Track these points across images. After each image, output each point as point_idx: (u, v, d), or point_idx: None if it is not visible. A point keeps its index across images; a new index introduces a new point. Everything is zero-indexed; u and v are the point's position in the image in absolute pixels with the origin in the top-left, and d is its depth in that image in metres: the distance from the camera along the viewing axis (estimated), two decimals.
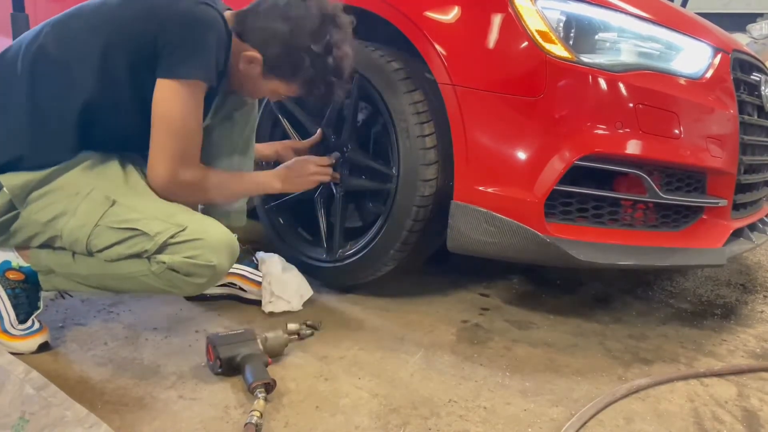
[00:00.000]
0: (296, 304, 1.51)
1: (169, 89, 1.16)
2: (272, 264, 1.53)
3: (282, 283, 1.51)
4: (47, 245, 1.21)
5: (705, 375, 1.31)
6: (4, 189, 1.16)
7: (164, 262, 1.14)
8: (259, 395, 1.06)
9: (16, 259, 1.23)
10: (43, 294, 1.27)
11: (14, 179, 1.16)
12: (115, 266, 1.17)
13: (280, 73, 1.29)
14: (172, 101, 1.17)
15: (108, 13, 1.19)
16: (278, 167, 1.48)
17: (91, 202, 1.16)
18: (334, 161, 1.55)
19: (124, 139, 1.25)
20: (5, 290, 1.22)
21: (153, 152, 1.20)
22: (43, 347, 1.24)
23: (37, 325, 1.24)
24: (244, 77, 1.31)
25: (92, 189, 1.17)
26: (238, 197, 1.43)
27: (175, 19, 1.15)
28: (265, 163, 1.63)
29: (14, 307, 1.22)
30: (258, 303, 1.50)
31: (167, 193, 1.22)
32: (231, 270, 1.42)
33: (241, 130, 1.46)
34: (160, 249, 1.13)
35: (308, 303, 1.55)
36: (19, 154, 1.16)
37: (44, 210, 1.17)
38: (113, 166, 1.22)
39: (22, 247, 1.24)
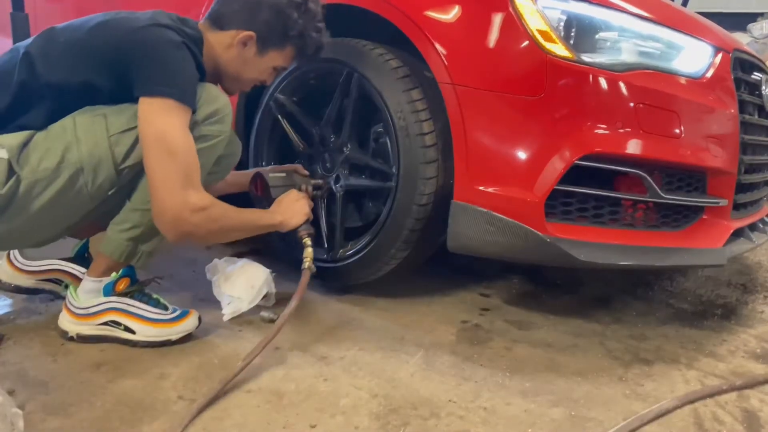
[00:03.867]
0: (248, 298, 1.42)
1: (156, 107, 1.15)
2: (216, 268, 1.49)
3: (230, 281, 1.45)
4: (77, 208, 1.20)
5: (726, 391, 1.25)
6: (3, 150, 1.13)
7: None
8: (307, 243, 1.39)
9: (109, 276, 1.28)
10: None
11: (12, 139, 1.14)
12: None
13: (274, 41, 1.33)
14: (159, 121, 1.14)
15: (81, 42, 1.19)
16: (274, 204, 1.44)
17: (86, 123, 1.17)
18: (316, 187, 1.56)
19: None
20: (130, 298, 1.29)
21: (155, 184, 1.15)
22: (199, 321, 1.32)
23: (177, 309, 1.31)
24: (241, 65, 1.33)
25: (74, 117, 1.17)
26: (246, 231, 1.33)
27: (139, 43, 1.16)
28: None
29: (148, 303, 1.29)
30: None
31: (181, 230, 1.18)
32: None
33: (221, 177, 1.46)
34: None
35: (308, 303, 1.55)
36: None
37: (46, 156, 1.15)
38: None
39: (104, 270, 1.27)
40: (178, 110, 1.16)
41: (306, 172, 1.59)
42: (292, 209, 1.42)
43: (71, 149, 1.15)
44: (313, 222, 1.65)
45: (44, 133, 1.17)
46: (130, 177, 1.21)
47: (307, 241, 1.42)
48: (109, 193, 1.20)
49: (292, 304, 1.30)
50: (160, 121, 1.14)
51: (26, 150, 1.15)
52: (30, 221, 1.18)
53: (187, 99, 1.18)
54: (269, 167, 1.65)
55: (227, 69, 1.34)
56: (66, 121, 1.17)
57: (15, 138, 1.15)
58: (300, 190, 1.49)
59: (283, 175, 1.51)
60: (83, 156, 1.16)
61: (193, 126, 1.20)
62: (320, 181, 1.59)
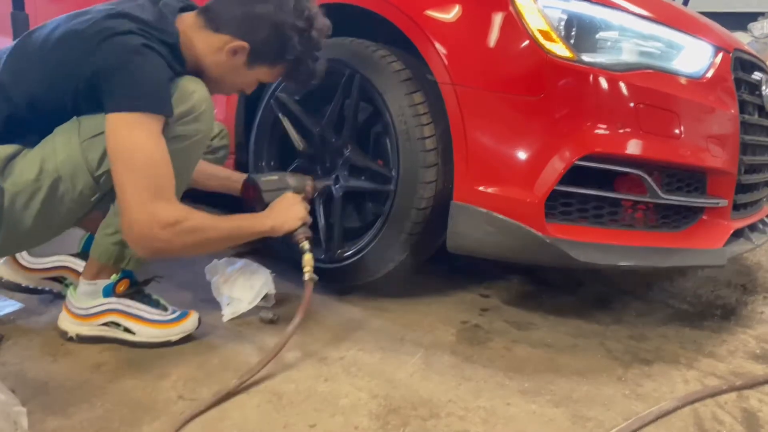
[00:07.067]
0: (247, 299, 1.42)
1: (118, 123, 1.09)
2: (216, 269, 1.49)
3: (230, 282, 1.45)
4: (56, 216, 1.16)
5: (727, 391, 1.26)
6: None
7: None
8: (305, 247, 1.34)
9: (110, 277, 1.28)
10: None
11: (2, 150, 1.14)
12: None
13: (266, 58, 1.26)
14: (123, 136, 1.09)
15: (51, 68, 1.14)
16: (267, 209, 1.38)
17: (64, 131, 1.14)
18: (316, 188, 1.54)
19: None
20: (130, 299, 1.29)
21: (121, 201, 1.10)
22: (199, 322, 1.32)
23: (177, 310, 1.32)
24: (226, 71, 1.26)
25: (57, 128, 1.15)
26: (230, 239, 1.28)
27: (99, 64, 1.10)
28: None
29: (148, 305, 1.30)
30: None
31: (150, 246, 1.12)
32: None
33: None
34: None
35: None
36: None
37: (27, 168, 1.12)
38: None
39: (96, 272, 1.28)
40: (144, 121, 1.09)
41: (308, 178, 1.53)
42: (285, 214, 1.35)
43: (49, 159, 1.13)
44: (312, 222, 1.65)
45: (32, 148, 1.15)
46: (111, 183, 1.14)
47: (305, 245, 1.35)
48: (92, 200, 1.17)
49: (296, 320, 1.25)
50: (123, 136, 1.08)
51: (12, 162, 1.13)
52: (28, 231, 1.16)
53: (156, 106, 1.11)
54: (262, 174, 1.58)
55: (210, 71, 1.25)
56: (50, 135, 1.16)
57: (3, 150, 1.13)
58: (296, 191, 1.44)
59: (275, 177, 1.47)
60: (59, 164, 1.12)
61: (164, 128, 1.13)
62: (325, 182, 1.58)
